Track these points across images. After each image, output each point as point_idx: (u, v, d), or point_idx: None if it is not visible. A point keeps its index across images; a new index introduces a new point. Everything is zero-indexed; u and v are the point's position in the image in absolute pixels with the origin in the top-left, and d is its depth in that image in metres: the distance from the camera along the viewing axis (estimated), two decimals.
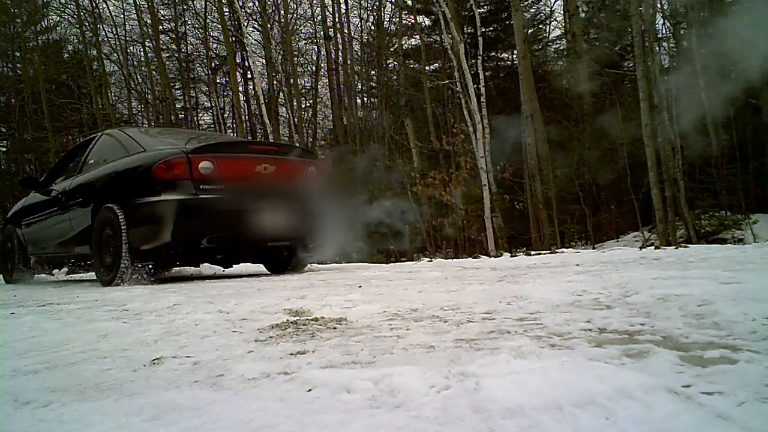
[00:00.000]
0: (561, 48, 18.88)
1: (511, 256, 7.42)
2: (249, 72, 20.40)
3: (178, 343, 1.89)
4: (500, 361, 1.33)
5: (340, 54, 18.90)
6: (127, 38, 20.88)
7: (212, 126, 23.71)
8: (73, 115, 20.68)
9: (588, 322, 1.88)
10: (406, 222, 12.08)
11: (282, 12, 18.23)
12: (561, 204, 11.67)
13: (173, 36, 21.12)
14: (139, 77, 21.85)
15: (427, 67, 16.05)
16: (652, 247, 7.07)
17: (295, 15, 19.22)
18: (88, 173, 5.47)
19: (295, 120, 17.05)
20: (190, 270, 6.75)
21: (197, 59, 21.71)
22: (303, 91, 20.16)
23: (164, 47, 20.37)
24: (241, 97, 20.23)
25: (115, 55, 21.07)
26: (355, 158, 15.12)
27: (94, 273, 5.24)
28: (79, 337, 2.09)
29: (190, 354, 1.69)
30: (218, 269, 6.65)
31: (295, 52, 18.69)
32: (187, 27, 21.19)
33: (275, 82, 19.78)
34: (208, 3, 19.54)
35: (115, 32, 20.58)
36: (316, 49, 20.97)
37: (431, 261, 7.59)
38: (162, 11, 20.56)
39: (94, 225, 4.97)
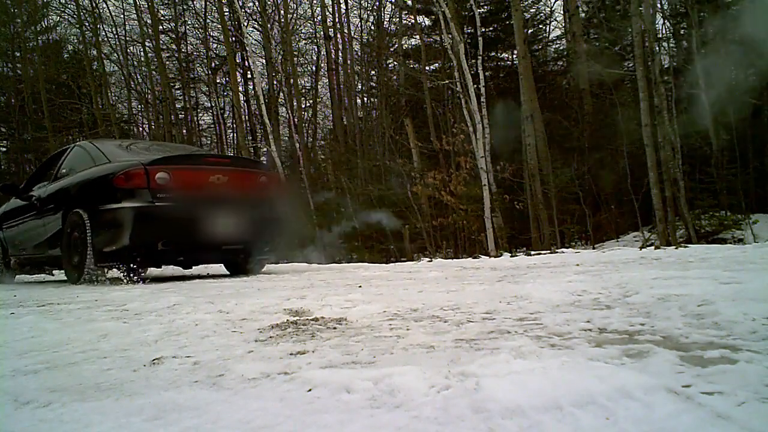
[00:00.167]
0: (561, 48, 18.87)
1: (511, 256, 7.43)
2: (249, 72, 20.41)
3: (178, 343, 1.89)
4: (500, 361, 1.33)
5: (340, 54, 18.91)
6: (127, 38, 20.91)
7: (212, 126, 23.74)
8: (73, 115, 20.68)
9: (588, 322, 1.88)
10: (406, 223, 12.09)
11: (282, 12, 18.23)
12: (561, 204, 11.66)
13: (173, 36, 21.13)
14: (139, 77, 21.88)
15: (427, 67, 16.04)
16: (652, 247, 7.07)
17: (295, 15, 19.23)
18: (60, 181, 5.90)
19: (295, 120, 17.05)
20: (190, 270, 6.77)
21: (197, 59, 21.73)
22: (303, 91, 20.17)
23: (164, 47, 20.38)
24: (241, 97, 20.25)
25: (115, 55, 21.10)
26: (354, 158, 15.15)
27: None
28: (79, 337, 2.09)
29: (190, 354, 1.69)
30: (193, 270, 7.03)
31: (295, 52, 18.69)
32: (187, 27, 21.21)
33: (275, 82, 19.78)
34: (208, 3, 19.55)
35: (115, 32, 20.61)
36: (316, 49, 20.99)
37: (431, 261, 7.59)
38: (162, 11, 20.59)
39: (65, 229, 5.38)
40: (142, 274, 5.19)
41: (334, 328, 2.01)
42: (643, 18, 10.15)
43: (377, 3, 19.05)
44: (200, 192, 5.12)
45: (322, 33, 19.13)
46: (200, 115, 23.64)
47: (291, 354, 1.61)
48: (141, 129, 23.02)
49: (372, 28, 19.61)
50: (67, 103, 20.44)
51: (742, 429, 0.92)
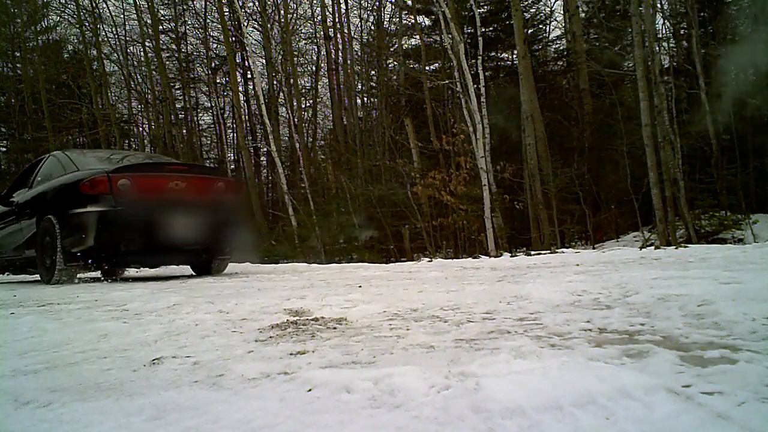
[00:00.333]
0: (561, 48, 18.86)
1: (511, 256, 7.42)
2: (249, 72, 20.40)
3: (178, 343, 1.89)
4: (500, 361, 1.33)
5: (340, 54, 18.89)
6: (127, 38, 20.87)
7: (212, 126, 23.74)
8: (73, 115, 20.66)
9: (588, 322, 1.88)
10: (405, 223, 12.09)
11: (282, 12, 18.22)
12: (561, 204, 11.65)
13: (173, 36, 21.10)
14: (139, 77, 21.86)
15: (427, 67, 16.01)
16: (652, 247, 7.07)
17: (295, 15, 19.20)
18: (35, 188, 6.36)
19: (295, 120, 17.04)
20: (189, 270, 6.77)
21: (197, 59, 21.71)
22: (303, 91, 20.15)
23: (164, 47, 20.36)
24: (241, 97, 20.23)
25: (115, 55, 21.08)
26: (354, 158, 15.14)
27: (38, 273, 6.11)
28: (79, 337, 2.09)
29: (190, 354, 1.69)
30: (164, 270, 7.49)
31: (295, 52, 18.67)
32: (187, 27, 21.18)
33: (275, 82, 19.77)
34: (208, 3, 19.53)
35: (115, 32, 20.58)
36: (316, 49, 20.97)
37: (431, 261, 7.59)
38: (162, 11, 20.55)
39: (38, 232, 5.79)
40: (121, 273, 5.31)
41: (334, 328, 2.01)
42: (643, 18, 10.14)
43: (377, 3, 19.05)
44: (160, 197, 5.48)
45: (322, 33, 19.11)
46: (200, 115, 23.64)
47: (291, 354, 1.61)
48: (141, 129, 23.05)
49: (372, 28, 19.60)
50: (67, 103, 20.42)
51: (742, 429, 0.92)
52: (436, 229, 11.96)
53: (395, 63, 18.41)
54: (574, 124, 13.87)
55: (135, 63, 21.67)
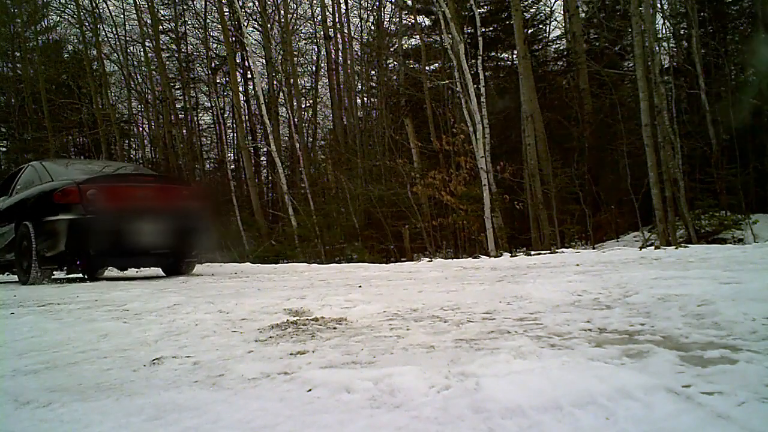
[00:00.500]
0: (561, 48, 18.85)
1: (511, 256, 7.42)
2: (249, 72, 20.39)
3: (178, 343, 1.89)
4: (500, 361, 1.33)
5: (340, 54, 18.87)
6: (127, 38, 20.84)
7: (212, 126, 23.73)
8: (73, 115, 20.65)
9: (588, 322, 1.88)
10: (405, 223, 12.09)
11: (282, 12, 18.20)
12: (561, 204, 11.63)
13: (173, 36, 21.08)
14: (139, 77, 21.83)
15: (427, 67, 16.01)
16: (652, 247, 7.07)
17: (295, 15, 19.18)
18: (15, 196, 6.80)
19: (295, 120, 17.03)
20: (196, 273, 6.78)
21: (197, 59, 21.68)
22: (303, 91, 20.14)
23: (164, 47, 20.34)
24: (241, 97, 20.22)
25: (115, 55, 21.05)
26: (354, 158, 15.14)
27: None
28: (80, 337, 2.09)
29: (190, 354, 1.69)
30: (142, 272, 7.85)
31: (295, 52, 18.66)
32: (187, 27, 21.14)
33: (275, 82, 19.76)
34: (208, 3, 19.50)
35: (115, 32, 20.55)
36: (316, 49, 20.95)
37: (431, 261, 7.59)
38: (162, 11, 20.52)
39: (17, 237, 6.20)
40: (101, 273, 6.06)
41: (334, 328, 2.01)
42: (643, 18, 10.14)
43: (377, 3, 19.03)
44: (127, 205, 5.87)
45: (322, 33, 19.09)
46: (200, 115, 23.59)
47: (291, 354, 1.61)
48: (141, 129, 23.03)
49: (372, 28, 19.59)
50: (67, 103, 20.41)
51: (742, 429, 0.92)
52: (436, 229, 11.95)
53: (395, 63, 18.40)
54: (574, 124, 13.85)
55: (135, 63, 21.67)
